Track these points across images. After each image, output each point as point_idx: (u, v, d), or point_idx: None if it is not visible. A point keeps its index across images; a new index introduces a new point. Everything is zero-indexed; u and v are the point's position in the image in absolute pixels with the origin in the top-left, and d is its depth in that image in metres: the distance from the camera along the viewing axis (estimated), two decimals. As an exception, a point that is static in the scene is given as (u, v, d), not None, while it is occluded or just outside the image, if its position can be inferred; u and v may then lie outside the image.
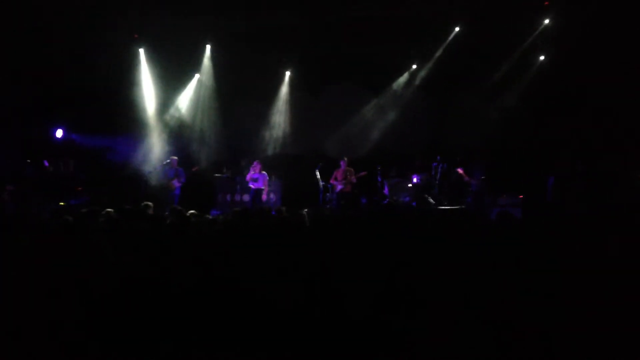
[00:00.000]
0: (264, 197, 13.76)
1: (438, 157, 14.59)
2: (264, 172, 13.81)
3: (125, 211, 7.12)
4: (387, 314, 3.57)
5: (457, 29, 14.75)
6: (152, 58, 14.96)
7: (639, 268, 3.78)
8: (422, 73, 16.40)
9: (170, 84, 15.55)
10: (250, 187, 13.82)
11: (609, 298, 3.44)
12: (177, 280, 3.94)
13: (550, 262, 4.05)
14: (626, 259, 4.03)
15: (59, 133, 14.35)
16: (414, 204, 13.93)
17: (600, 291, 3.53)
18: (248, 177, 13.85)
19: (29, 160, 13.22)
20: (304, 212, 6.99)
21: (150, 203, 8.18)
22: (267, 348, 3.39)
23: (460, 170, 13.74)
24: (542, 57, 15.35)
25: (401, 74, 16.75)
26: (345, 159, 14.17)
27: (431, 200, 14.04)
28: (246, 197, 14.37)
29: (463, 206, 13.19)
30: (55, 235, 5.40)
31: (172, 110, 15.83)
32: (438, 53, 15.65)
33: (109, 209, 6.94)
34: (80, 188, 13.51)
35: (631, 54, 12.95)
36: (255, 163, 13.83)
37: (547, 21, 14.11)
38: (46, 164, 13.33)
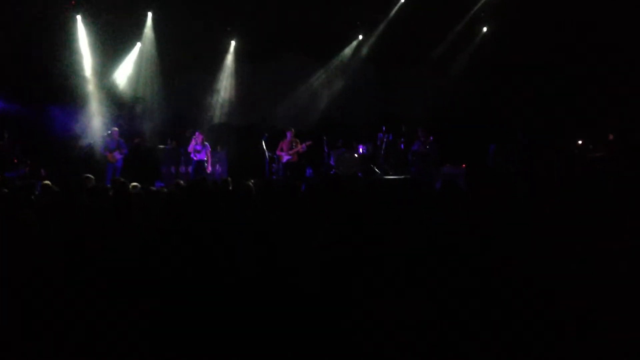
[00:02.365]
0: (209, 168, 13.55)
1: (383, 128, 14.73)
2: (206, 142, 13.56)
3: (64, 184, 6.89)
4: (335, 283, 3.57)
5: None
6: (91, 25, 14.35)
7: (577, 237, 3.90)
8: (369, 43, 16.44)
9: (110, 52, 14.94)
10: (192, 158, 13.57)
11: (550, 265, 3.54)
12: (119, 255, 3.85)
13: (496, 230, 4.14)
14: (566, 226, 4.15)
15: (-9, 103, 13.69)
16: (359, 174, 14.03)
17: (542, 258, 3.62)
18: (190, 148, 13.56)
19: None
20: (250, 183, 6.94)
21: (91, 175, 7.94)
22: (218, 321, 3.35)
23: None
24: (485, 29, 15.58)
25: (348, 45, 16.73)
26: (292, 129, 14.09)
27: (377, 170, 14.21)
28: (190, 169, 14.09)
29: (408, 175, 13.37)
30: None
31: (112, 80, 15.30)
32: (384, 24, 15.69)
33: (47, 182, 6.73)
34: (16, 160, 13.00)
35: (571, 24, 13.28)
36: (197, 134, 13.53)
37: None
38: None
